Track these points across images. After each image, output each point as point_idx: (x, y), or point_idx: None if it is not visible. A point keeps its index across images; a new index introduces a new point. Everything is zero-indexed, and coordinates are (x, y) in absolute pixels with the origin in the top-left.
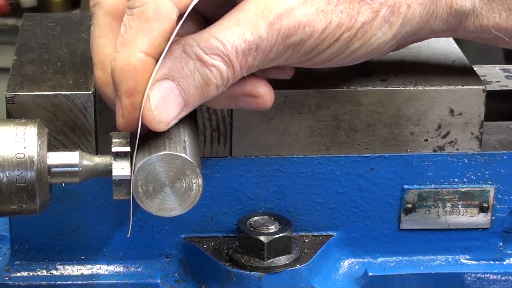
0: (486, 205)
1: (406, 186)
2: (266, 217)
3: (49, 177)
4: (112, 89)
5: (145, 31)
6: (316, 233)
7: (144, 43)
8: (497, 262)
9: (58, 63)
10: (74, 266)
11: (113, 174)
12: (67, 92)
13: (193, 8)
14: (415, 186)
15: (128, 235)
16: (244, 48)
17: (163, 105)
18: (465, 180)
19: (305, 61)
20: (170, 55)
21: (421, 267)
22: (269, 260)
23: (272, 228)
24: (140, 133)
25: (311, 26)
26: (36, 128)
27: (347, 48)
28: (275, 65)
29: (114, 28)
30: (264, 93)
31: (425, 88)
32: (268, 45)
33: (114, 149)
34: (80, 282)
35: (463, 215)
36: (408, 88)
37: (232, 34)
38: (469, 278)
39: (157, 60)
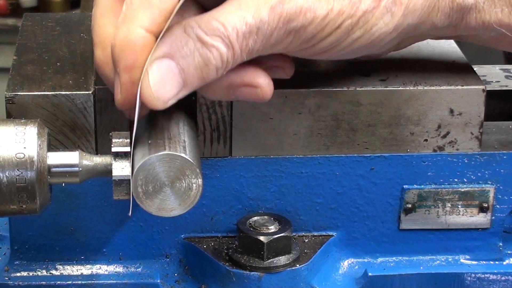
0: (486, 205)
1: (406, 186)
2: (266, 217)
3: (49, 177)
4: (112, 69)
5: (146, 8)
6: (316, 233)
7: (145, 19)
8: (497, 262)
9: (58, 63)
10: (74, 266)
11: (113, 174)
12: (67, 92)
13: None
14: (415, 186)
15: (129, 214)
16: (245, 30)
17: (161, 82)
18: (465, 180)
19: (306, 49)
20: (171, 34)
21: (421, 267)
22: (269, 260)
23: (272, 228)
24: (139, 114)
25: (313, 12)
26: (36, 128)
27: (348, 37)
28: (275, 52)
29: (115, 9)
30: (264, 83)
31: (425, 88)
32: (269, 29)
33: (114, 149)
34: (80, 282)
35: (463, 215)
36: (408, 88)
37: (234, 16)
38: (469, 278)
39: (157, 38)
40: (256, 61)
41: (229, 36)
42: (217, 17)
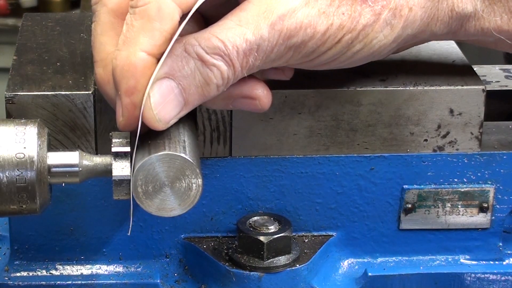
0: (485, 205)
1: (405, 186)
2: (265, 217)
3: (49, 177)
4: (113, 88)
5: (147, 31)
6: (315, 233)
7: (146, 42)
8: (496, 262)
9: (58, 63)
10: (74, 266)
11: (113, 174)
12: (67, 92)
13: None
14: (415, 186)
15: (129, 234)
16: (245, 48)
17: (163, 104)
18: (465, 180)
19: (306, 62)
20: (171, 54)
21: (421, 267)
22: (269, 260)
23: (272, 228)
24: (140, 132)
25: (313, 27)
26: (36, 128)
27: (348, 50)
28: (275, 66)
29: (116, 27)
30: (262, 95)
31: (425, 88)
32: (269, 45)
33: (114, 149)
34: (79, 282)
35: (462, 215)
36: (408, 88)
37: (234, 34)
38: (468, 278)
39: (158, 60)
40: None
41: (229, 54)
42: (217, 34)
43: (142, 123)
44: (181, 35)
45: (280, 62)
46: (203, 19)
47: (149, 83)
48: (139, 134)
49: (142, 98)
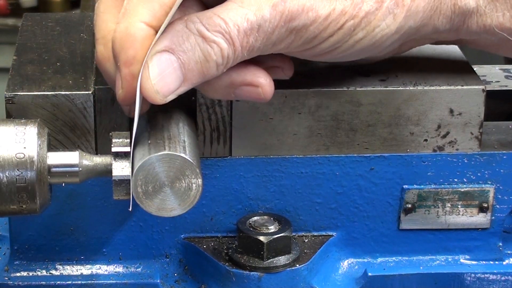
0: (485, 205)
1: (405, 186)
2: (265, 217)
3: (49, 177)
4: (113, 64)
5: (147, 2)
6: (315, 233)
7: (145, 13)
8: (496, 262)
9: (58, 63)
10: (74, 266)
11: (113, 174)
12: (67, 92)
13: None
14: (415, 186)
15: (129, 209)
16: (246, 27)
17: (161, 76)
18: (465, 180)
19: (307, 50)
20: (172, 29)
21: (421, 267)
22: (269, 260)
23: (272, 228)
24: (139, 108)
25: (315, 11)
26: (36, 128)
27: (350, 38)
28: (276, 51)
29: (118, 5)
30: (265, 83)
31: (425, 88)
32: (270, 26)
33: (114, 149)
34: (79, 282)
35: (462, 215)
36: (408, 88)
37: (235, 13)
38: (468, 278)
39: (157, 32)
40: (255, 61)
41: (230, 32)
42: (219, 13)
43: (142, 99)
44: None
45: (281, 47)
46: (205, 7)
47: (147, 54)
48: (138, 111)
49: (141, 68)
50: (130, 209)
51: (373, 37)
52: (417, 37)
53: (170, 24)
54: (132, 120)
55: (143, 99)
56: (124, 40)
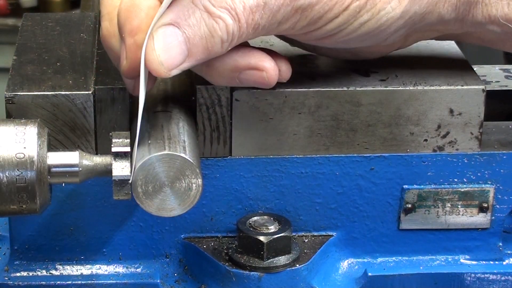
0: (485, 205)
1: (405, 186)
2: (265, 217)
3: (49, 177)
4: (118, 40)
5: None
6: (315, 233)
7: None
8: (496, 262)
9: (58, 63)
10: (74, 266)
11: (113, 174)
12: (67, 92)
13: None
14: (415, 186)
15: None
16: (251, 4)
17: (166, 48)
18: (465, 180)
19: (312, 31)
20: (178, 3)
21: (421, 267)
22: (269, 260)
23: (272, 228)
24: (144, 81)
25: None
26: (36, 128)
27: (355, 20)
28: (282, 32)
29: None
30: (269, 67)
31: (425, 88)
32: (276, 4)
33: (114, 149)
34: (79, 282)
35: (462, 215)
36: (408, 88)
37: None
38: (468, 278)
39: (161, 2)
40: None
41: (236, 8)
42: None
43: (146, 74)
44: None
45: (286, 27)
46: None
47: (152, 25)
48: (143, 85)
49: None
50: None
51: (378, 20)
52: (422, 26)
53: None
54: (132, 119)
55: (147, 77)
56: (129, 10)
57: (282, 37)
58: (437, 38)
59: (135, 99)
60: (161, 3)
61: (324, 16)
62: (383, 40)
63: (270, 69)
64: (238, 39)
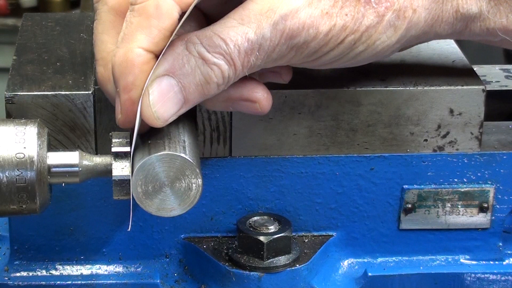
0: (485, 205)
1: (405, 186)
2: (265, 217)
3: (49, 177)
4: (113, 86)
5: (145, 28)
6: (315, 233)
7: (143, 39)
8: (496, 262)
9: (58, 63)
10: (74, 266)
11: (113, 174)
12: (67, 92)
13: (195, 6)
14: (415, 186)
15: (129, 229)
16: (246, 47)
17: (162, 101)
18: (465, 180)
19: (308, 62)
20: (172, 51)
21: (421, 267)
22: (269, 260)
23: (272, 228)
24: (139, 130)
25: (315, 28)
26: (36, 128)
27: (351, 51)
28: (277, 65)
29: (117, 25)
30: (262, 98)
31: (425, 88)
32: (271, 45)
33: (114, 149)
34: (79, 282)
35: (462, 215)
36: (408, 88)
37: (235, 33)
38: (469, 278)
39: (157, 58)
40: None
41: (231, 53)
42: (219, 32)
43: (142, 121)
44: (182, 34)
45: (282, 62)
46: (205, 18)
47: (147, 80)
48: (138, 133)
49: (141, 94)
50: (129, 229)
51: (374, 49)
52: (418, 41)
53: (170, 45)
54: (132, 133)
55: (143, 121)
56: (123, 66)
57: None
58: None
59: None
60: (154, 56)
61: (320, 50)
62: (378, 59)
63: (263, 100)
64: (234, 80)
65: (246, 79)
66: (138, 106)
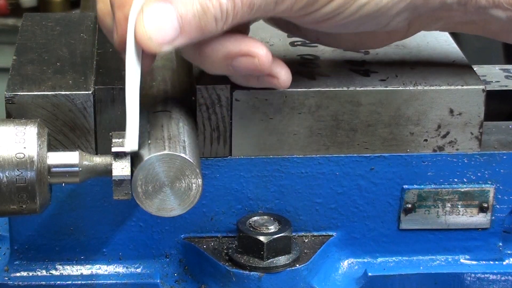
0: (485, 205)
1: (405, 186)
2: (265, 217)
3: (49, 177)
4: (112, 18)
5: None
6: (315, 233)
7: None
8: (496, 262)
9: (58, 63)
10: (74, 266)
11: (113, 174)
12: (67, 92)
13: None
14: (415, 186)
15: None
16: None
17: (157, 23)
18: (465, 180)
19: (309, 14)
20: None
21: (421, 267)
22: (269, 260)
23: (272, 228)
24: (137, 56)
25: None
26: (36, 128)
27: (354, 3)
28: (279, 13)
29: None
30: (261, 53)
31: (425, 88)
32: None
33: (114, 149)
34: (79, 282)
35: (462, 215)
36: (408, 88)
37: None
38: (468, 278)
39: None
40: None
41: None
42: None
43: (140, 51)
44: None
45: (283, 7)
46: None
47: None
48: (138, 64)
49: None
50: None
51: (378, 3)
52: (425, 11)
53: None
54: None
55: (141, 54)
56: None
57: (282, 27)
58: (440, 29)
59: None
60: None
61: None
62: (384, 25)
63: (262, 55)
64: (234, 19)
65: (246, 36)
66: (129, 25)
